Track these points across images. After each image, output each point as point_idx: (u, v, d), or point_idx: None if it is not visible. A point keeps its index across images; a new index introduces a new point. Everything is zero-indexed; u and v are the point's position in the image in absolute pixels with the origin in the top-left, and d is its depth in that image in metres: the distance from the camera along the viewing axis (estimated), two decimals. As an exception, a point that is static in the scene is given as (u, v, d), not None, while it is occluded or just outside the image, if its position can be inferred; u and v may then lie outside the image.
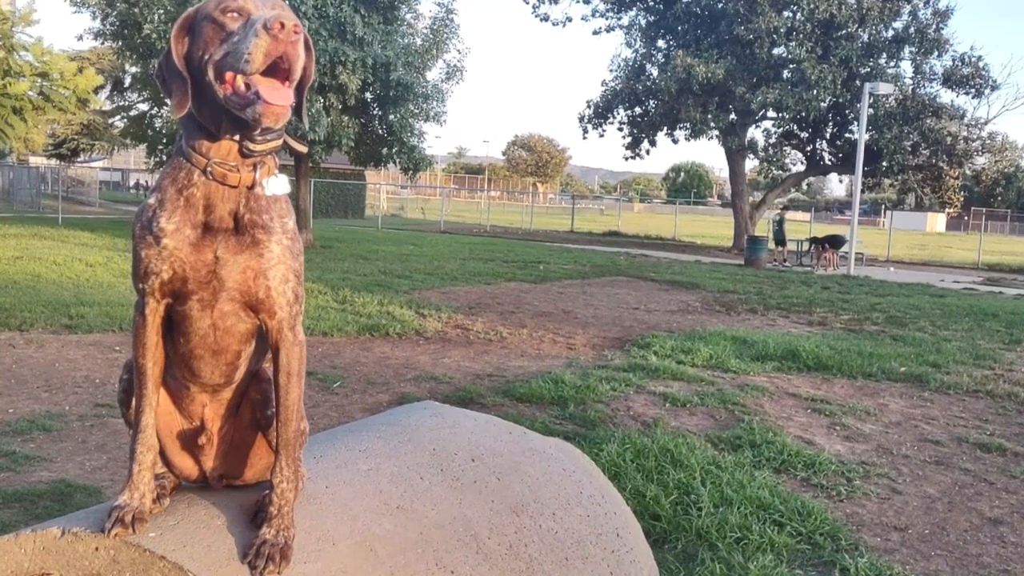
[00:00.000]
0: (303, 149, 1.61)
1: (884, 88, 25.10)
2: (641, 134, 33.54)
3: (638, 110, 33.19)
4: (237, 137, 1.59)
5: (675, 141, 33.85)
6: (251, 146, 1.59)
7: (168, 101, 1.61)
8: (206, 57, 1.55)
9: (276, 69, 1.50)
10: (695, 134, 31.46)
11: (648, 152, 34.17)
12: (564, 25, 33.43)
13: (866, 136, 25.86)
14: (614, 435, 5.78)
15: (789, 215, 31.08)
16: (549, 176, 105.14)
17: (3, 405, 6.25)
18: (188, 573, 1.46)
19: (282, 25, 1.47)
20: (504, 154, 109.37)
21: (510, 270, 18.88)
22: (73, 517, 1.66)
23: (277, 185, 1.63)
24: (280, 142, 1.64)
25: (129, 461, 1.63)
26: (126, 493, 1.60)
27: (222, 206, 1.58)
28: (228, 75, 1.51)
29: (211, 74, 1.54)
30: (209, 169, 1.57)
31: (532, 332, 10.64)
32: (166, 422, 1.71)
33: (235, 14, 1.54)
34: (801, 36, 27.84)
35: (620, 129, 33.81)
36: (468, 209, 55.33)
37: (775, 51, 28.70)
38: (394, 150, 22.59)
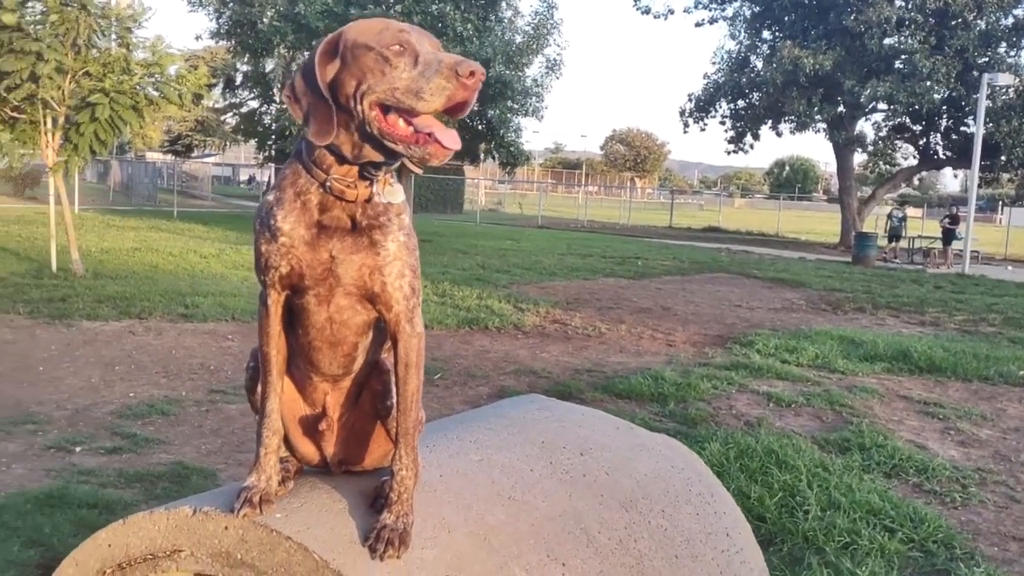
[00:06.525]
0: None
1: (1004, 79, 24.00)
2: (744, 127, 32.93)
3: (741, 103, 32.59)
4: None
5: (779, 135, 33.13)
6: (375, 171, 1.60)
7: (305, 125, 1.56)
8: (362, 87, 1.52)
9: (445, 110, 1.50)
10: (800, 127, 30.70)
11: (752, 147, 33.49)
12: (666, 18, 33.05)
13: (983, 129, 24.74)
14: (716, 434, 5.70)
15: (899, 211, 29.82)
16: (647, 171, 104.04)
17: (124, 389, 6.57)
18: (312, 553, 1.51)
19: (473, 73, 1.46)
20: (602, 148, 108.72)
21: (608, 266, 18.79)
22: (203, 497, 1.73)
23: (393, 194, 1.65)
24: (399, 162, 1.62)
25: (256, 444, 1.69)
26: (253, 475, 1.66)
27: (338, 210, 1.61)
28: (387, 110, 1.51)
29: (365, 105, 1.52)
30: (328, 184, 1.59)
31: (631, 328, 10.57)
32: (290, 408, 1.76)
33: (399, 47, 1.51)
34: (913, 26, 26.80)
35: (722, 123, 33.30)
36: (565, 204, 55.21)
37: (886, 42, 27.70)
38: (492, 145, 22.75)
